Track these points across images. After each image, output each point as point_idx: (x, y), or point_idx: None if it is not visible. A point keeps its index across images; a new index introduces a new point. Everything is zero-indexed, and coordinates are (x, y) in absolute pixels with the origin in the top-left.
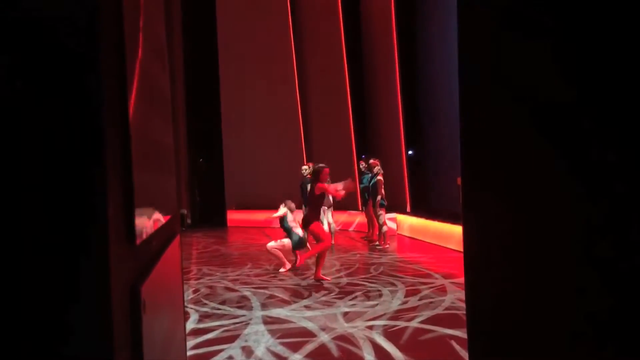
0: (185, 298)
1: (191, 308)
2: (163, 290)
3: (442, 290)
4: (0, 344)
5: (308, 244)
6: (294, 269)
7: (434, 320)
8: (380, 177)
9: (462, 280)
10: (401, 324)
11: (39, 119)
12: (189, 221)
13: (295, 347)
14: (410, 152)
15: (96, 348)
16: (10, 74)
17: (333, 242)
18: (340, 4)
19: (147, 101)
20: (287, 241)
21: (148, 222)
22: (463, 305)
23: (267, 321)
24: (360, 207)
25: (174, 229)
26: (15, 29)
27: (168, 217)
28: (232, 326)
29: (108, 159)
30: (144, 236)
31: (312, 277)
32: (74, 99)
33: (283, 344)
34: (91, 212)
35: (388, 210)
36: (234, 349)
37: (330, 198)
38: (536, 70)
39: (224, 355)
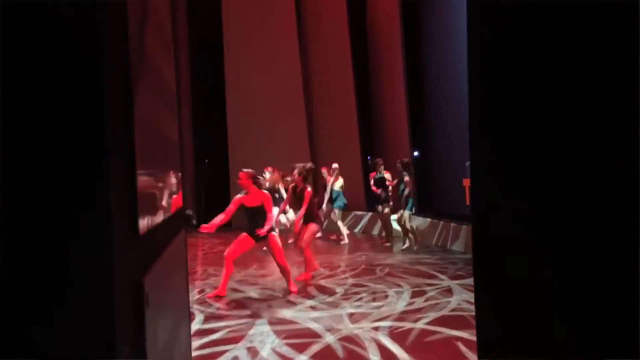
0: (191, 299)
1: (196, 309)
2: (167, 285)
3: (448, 292)
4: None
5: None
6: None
7: (440, 321)
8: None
9: (468, 281)
10: (407, 325)
11: (41, 106)
12: (194, 222)
13: (300, 348)
14: (416, 154)
15: (97, 340)
16: (13, 60)
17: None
18: (346, 4)
19: (152, 92)
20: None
21: (152, 213)
22: (469, 306)
23: (273, 322)
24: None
25: (179, 224)
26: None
27: (172, 211)
28: (237, 327)
29: (111, 144)
30: (148, 227)
31: (318, 277)
32: (78, 87)
33: (288, 344)
34: (93, 198)
35: (394, 211)
36: (239, 350)
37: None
38: (550, 63)
39: (229, 355)
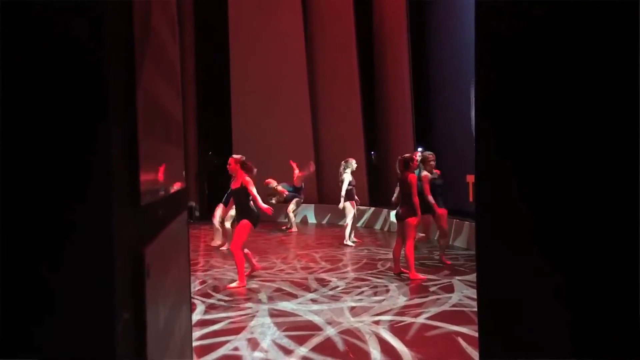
0: (193, 289)
1: (198, 299)
2: (169, 260)
3: (450, 288)
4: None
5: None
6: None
7: (440, 316)
8: (425, 173)
9: (469, 277)
10: (408, 319)
11: (39, 72)
12: (197, 214)
13: (301, 340)
14: (420, 149)
15: (96, 305)
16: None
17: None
18: (352, 0)
19: (155, 65)
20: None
21: (154, 186)
22: (470, 302)
23: (274, 314)
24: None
25: (182, 203)
26: None
27: (176, 189)
28: (238, 318)
29: (111, 112)
30: (149, 199)
31: (319, 271)
32: (79, 53)
33: (289, 336)
34: (92, 164)
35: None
36: (239, 341)
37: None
38: (557, 59)
39: (229, 346)
